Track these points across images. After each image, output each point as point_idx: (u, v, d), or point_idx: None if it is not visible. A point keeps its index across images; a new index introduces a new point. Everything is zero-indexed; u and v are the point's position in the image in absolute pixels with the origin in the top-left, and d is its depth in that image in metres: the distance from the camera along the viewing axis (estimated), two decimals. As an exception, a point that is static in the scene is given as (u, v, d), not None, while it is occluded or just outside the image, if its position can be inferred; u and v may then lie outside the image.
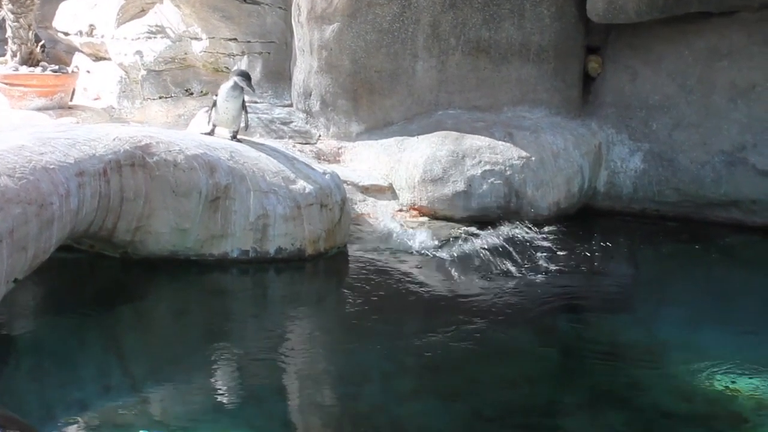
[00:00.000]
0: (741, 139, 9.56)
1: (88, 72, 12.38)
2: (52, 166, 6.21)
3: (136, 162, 7.00)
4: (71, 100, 11.68)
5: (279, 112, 10.32)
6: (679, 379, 5.83)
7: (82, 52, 12.67)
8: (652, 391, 5.63)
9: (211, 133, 8.15)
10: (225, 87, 8.26)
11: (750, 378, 5.84)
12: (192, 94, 11.61)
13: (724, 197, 9.58)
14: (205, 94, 11.49)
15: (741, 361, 6.10)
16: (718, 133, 9.63)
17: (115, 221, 6.98)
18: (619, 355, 6.30)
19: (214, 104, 8.22)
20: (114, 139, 6.96)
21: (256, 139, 8.38)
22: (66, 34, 12.75)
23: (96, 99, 12.14)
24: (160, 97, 11.64)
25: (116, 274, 7.30)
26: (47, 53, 12.53)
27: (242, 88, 8.19)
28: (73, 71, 11.93)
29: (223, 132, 8.20)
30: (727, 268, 8.57)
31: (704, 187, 9.64)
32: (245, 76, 8.33)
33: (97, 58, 12.45)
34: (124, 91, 11.82)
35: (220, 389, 5.53)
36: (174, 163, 7.18)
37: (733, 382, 5.75)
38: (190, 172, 7.23)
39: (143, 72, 11.63)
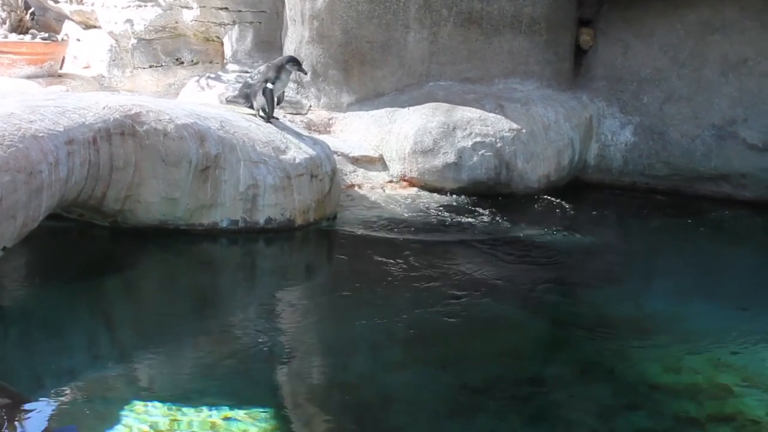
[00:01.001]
0: (732, 113, 9.58)
1: (78, 40, 12.32)
2: (41, 134, 6.18)
3: (125, 131, 6.97)
4: (61, 68, 11.64)
5: (270, 82, 10.27)
6: (666, 352, 5.84)
7: (71, 20, 12.60)
8: (639, 364, 5.65)
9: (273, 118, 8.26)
10: (281, 76, 8.26)
11: (736, 351, 5.88)
12: (182, 63, 11.57)
13: (714, 171, 9.61)
14: (196, 63, 11.45)
15: (728, 334, 6.13)
16: (709, 106, 9.66)
17: (104, 190, 6.96)
18: (606, 328, 6.31)
19: (271, 93, 8.14)
20: (104, 108, 6.93)
21: (247, 108, 8.35)
22: (56, 1, 12.68)
23: (86, 67, 12.10)
24: (151, 66, 11.61)
25: (105, 243, 7.30)
26: (37, 21, 12.48)
27: (291, 72, 8.31)
28: (62, 39, 11.87)
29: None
30: (717, 243, 8.59)
31: (694, 160, 9.67)
32: (296, 62, 8.41)
33: (87, 26, 12.39)
34: (114, 60, 11.78)
35: (208, 359, 5.52)
36: (164, 132, 7.15)
37: (720, 355, 5.79)
38: (180, 141, 7.20)
39: (133, 40, 11.58)
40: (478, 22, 9.97)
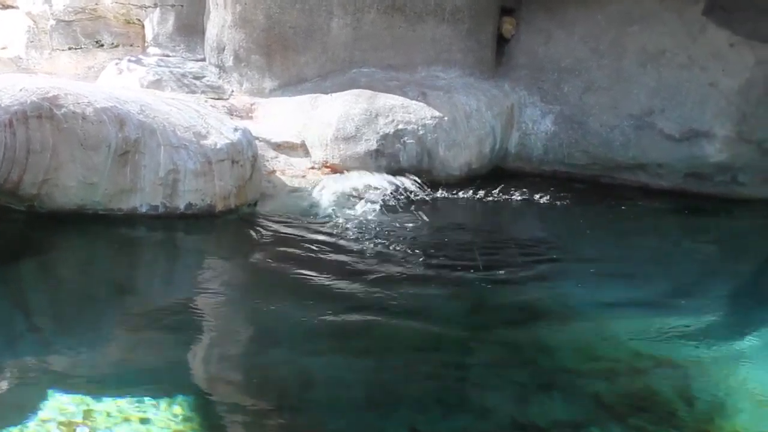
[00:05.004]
0: (650, 103, 9.72)
1: (-5, 20, 12.08)
2: (-46, 117, 6.07)
3: (43, 114, 6.86)
4: (-24, 49, 11.40)
5: (191, 67, 10.20)
6: (584, 340, 5.94)
7: (-12, -1, 12.36)
8: (557, 351, 5.74)
9: None
10: None
11: (649, 337, 5.99)
12: (102, 45, 11.40)
13: (632, 161, 9.76)
14: (116, 46, 11.29)
15: (643, 322, 6.24)
16: (628, 97, 9.79)
17: (20, 174, 6.84)
18: (526, 316, 6.38)
19: None
20: (20, 90, 6.81)
21: (168, 93, 8.27)
22: (-29, -20, 12.42)
23: (2, 48, 11.85)
24: (70, 48, 11.41)
25: (22, 227, 7.17)
26: (-49, 0, 12.20)
27: None
28: (-22, 19, 11.63)
29: None
30: (634, 232, 8.71)
31: (613, 150, 9.80)
32: None
33: (4, 7, 12.14)
34: (32, 41, 11.56)
35: (127, 346, 5.47)
36: (82, 115, 7.05)
37: (635, 342, 5.90)
38: (99, 125, 7.11)
39: (52, 22, 11.37)
40: (401, 9, 9.97)
